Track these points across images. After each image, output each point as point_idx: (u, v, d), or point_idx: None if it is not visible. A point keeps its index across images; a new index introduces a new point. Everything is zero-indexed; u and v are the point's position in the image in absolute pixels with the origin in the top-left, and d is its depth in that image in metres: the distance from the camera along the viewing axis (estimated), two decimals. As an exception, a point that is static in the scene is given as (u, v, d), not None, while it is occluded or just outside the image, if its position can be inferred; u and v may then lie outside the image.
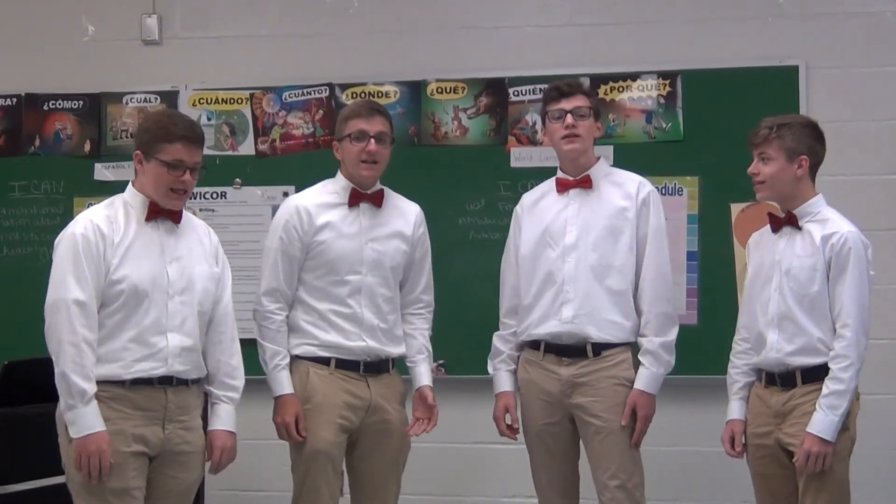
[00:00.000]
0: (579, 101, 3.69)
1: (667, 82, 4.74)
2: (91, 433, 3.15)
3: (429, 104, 4.91)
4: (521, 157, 4.83)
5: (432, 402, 3.74)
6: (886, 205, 4.63)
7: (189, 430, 3.35)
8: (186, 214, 3.45)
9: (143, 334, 3.27)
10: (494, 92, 4.86)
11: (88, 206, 3.45)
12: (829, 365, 3.40)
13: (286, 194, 4.77)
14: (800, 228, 3.51)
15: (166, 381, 3.29)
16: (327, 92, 4.97)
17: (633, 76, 4.77)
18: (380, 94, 4.90)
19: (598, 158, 3.81)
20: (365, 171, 3.67)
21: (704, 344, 4.40)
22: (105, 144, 5.11)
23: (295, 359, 3.67)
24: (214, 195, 4.99)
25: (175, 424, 3.31)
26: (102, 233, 3.26)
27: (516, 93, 4.85)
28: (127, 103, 5.10)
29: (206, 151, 3.44)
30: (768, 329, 3.50)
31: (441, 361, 4.57)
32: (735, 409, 3.62)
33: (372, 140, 3.64)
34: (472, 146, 4.88)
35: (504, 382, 3.83)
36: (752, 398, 3.59)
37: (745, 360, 3.63)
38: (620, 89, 4.77)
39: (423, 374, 3.78)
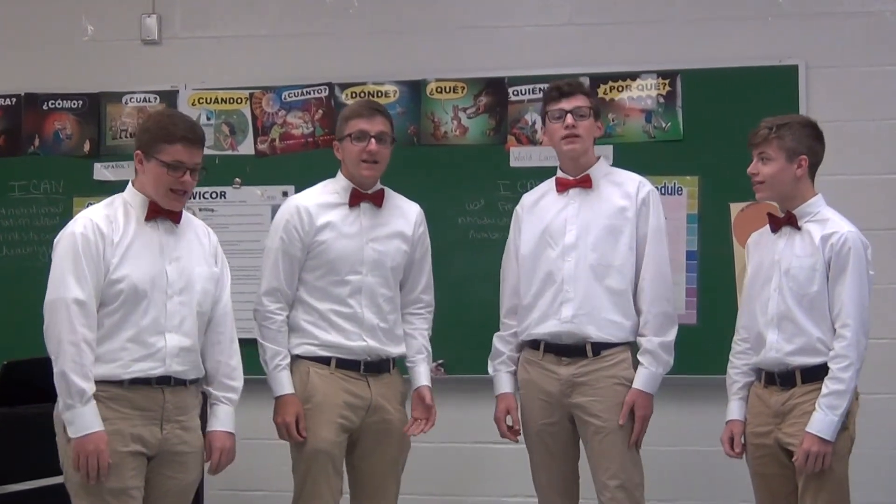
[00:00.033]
0: (579, 101, 3.69)
1: (666, 82, 4.74)
2: (89, 433, 3.15)
3: (428, 104, 4.91)
4: (520, 156, 4.83)
5: (430, 402, 3.74)
6: (886, 205, 4.63)
7: (187, 430, 3.34)
8: (186, 214, 3.44)
9: (141, 334, 3.26)
10: (494, 91, 4.86)
11: (88, 206, 3.44)
12: (829, 365, 3.40)
13: (286, 194, 4.78)
14: (799, 228, 3.51)
15: (164, 381, 3.29)
16: (327, 91, 4.97)
17: (633, 76, 4.77)
18: (379, 94, 4.90)
19: (598, 158, 3.81)
20: (366, 170, 3.67)
21: (704, 343, 4.40)
22: (104, 144, 5.11)
23: (295, 358, 3.67)
24: (214, 195, 4.99)
25: (173, 424, 3.31)
26: (102, 232, 3.25)
27: (516, 92, 4.85)
28: (126, 103, 5.10)
29: (206, 151, 3.44)
30: (768, 329, 3.50)
31: (440, 361, 4.57)
32: (734, 410, 3.62)
33: (372, 140, 3.64)
34: (472, 146, 4.88)
35: (504, 384, 3.83)
36: (751, 398, 3.59)
37: (745, 360, 3.63)
38: (620, 89, 4.78)
39: (422, 374, 3.78)
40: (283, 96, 5.00)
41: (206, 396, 3.46)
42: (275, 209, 3.91)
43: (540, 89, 4.67)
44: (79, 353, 3.15)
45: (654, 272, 3.70)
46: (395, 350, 3.74)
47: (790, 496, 3.48)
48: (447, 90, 4.90)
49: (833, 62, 4.67)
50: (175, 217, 3.38)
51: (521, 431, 3.82)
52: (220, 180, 4.92)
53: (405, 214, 3.79)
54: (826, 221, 3.49)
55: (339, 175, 3.76)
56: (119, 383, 3.23)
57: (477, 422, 4.25)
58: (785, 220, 3.55)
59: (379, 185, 3.76)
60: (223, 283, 3.48)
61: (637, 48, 4.82)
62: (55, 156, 5.13)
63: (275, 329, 3.66)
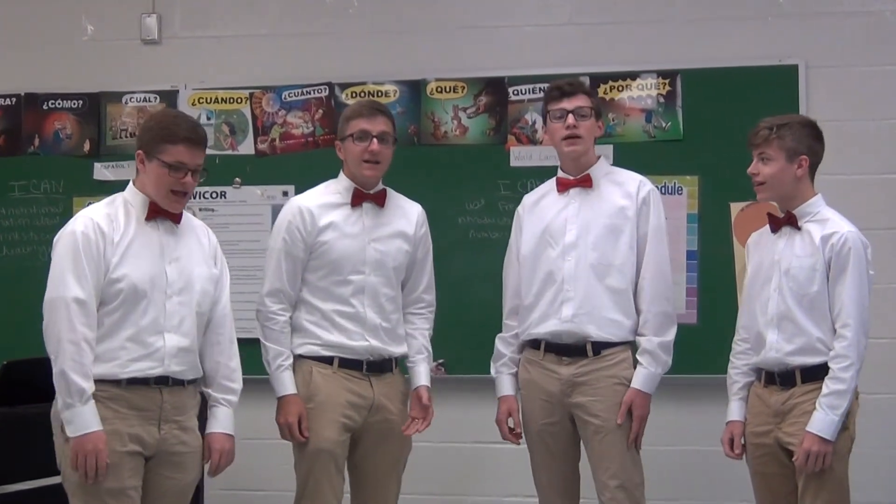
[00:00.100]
0: (581, 101, 3.69)
1: (666, 81, 4.74)
2: (88, 432, 3.14)
3: (428, 103, 4.91)
4: (520, 156, 4.83)
5: (427, 401, 3.74)
6: (886, 204, 4.63)
7: (185, 430, 3.34)
8: (186, 215, 3.44)
9: (140, 334, 3.26)
10: (494, 91, 4.86)
11: (88, 206, 3.43)
12: (830, 364, 3.40)
13: (286, 194, 4.78)
14: (799, 228, 3.51)
15: (162, 382, 3.28)
16: (327, 91, 4.97)
17: (633, 75, 4.77)
18: (379, 94, 4.90)
19: (599, 157, 3.81)
20: (367, 171, 3.67)
21: (704, 343, 4.40)
22: (104, 144, 5.11)
23: (298, 358, 3.68)
24: (214, 195, 4.99)
25: (171, 425, 3.30)
26: (102, 231, 3.25)
27: (516, 92, 4.85)
28: (126, 103, 5.10)
29: (206, 151, 3.43)
30: (768, 329, 3.50)
31: (441, 361, 4.57)
32: (734, 410, 3.62)
33: (374, 140, 3.65)
34: (472, 145, 4.88)
35: (506, 386, 3.83)
36: (751, 397, 3.59)
37: (745, 360, 3.63)
38: (620, 88, 4.78)
39: (422, 373, 3.78)
40: (283, 96, 5.00)
41: (205, 398, 3.45)
42: (275, 209, 3.92)
43: (540, 89, 4.67)
44: (78, 352, 3.15)
45: (654, 271, 3.70)
46: (398, 350, 3.74)
47: (790, 496, 3.48)
48: (447, 90, 4.90)
49: (833, 62, 4.67)
50: (175, 217, 3.38)
51: (522, 433, 3.82)
52: (220, 180, 4.91)
53: (407, 214, 3.79)
54: (826, 221, 3.49)
55: (341, 175, 3.76)
56: (117, 383, 3.23)
57: (477, 422, 4.26)
58: (785, 220, 3.55)
59: (381, 185, 3.76)
60: (222, 284, 3.47)
61: (637, 48, 4.82)
62: (55, 156, 5.13)
63: (277, 330, 3.66)
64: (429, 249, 3.86)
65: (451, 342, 4.52)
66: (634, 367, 3.67)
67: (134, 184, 3.39)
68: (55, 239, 3.30)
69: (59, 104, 5.13)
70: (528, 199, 3.89)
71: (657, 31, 4.81)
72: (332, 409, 3.61)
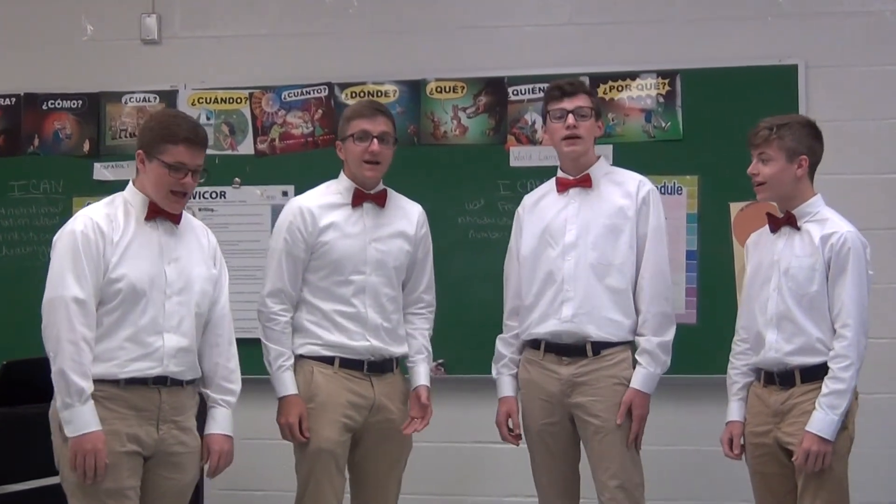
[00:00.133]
0: (581, 101, 3.69)
1: (666, 81, 4.74)
2: (87, 432, 3.14)
3: (428, 103, 4.91)
4: (520, 156, 4.83)
5: (426, 401, 3.74)
6: (886, 204, 4.63)
7: (184, 430, 3.34)
8: (186, 215, 3.44)
9: (139, 334, 3.26)
10: (494, 91, 4.86)
11: (87, 206, 3.42)
12: (830, 364, 3.40)
13: (285, 194, 4.79)
14: (798, 228, 3.51)
15: (161, 382, 3.28)
16: (326, 91, 4.97)
17: (633, 75, 4.77)
18: (379, 94, 4.90)
19: (599, 157, 3.81)
20: (368, 171, 3.68)
21: (703, 343, 4.40)
22: (104, 144, 5.11)
23: (299, 358, 3.68)
24: (214, 195, 4.99)
25: (169, 425, 3.30)
26: (102, 231, 3.25)
27: (515, 92, 4.85)
28: (126, 103, 5.10)
29: (206, 151, 3.43)
30: (767, 329, 3.50)
31: (441, 361, 4.57)
32: (734, 411, 3.62)
33: (375, 140, 3.65)
34: (472, 145, 4.88)
35: (506, 387, 3.83)
36: (750, 397, 3.59)
37: (745, 360, 3.63)
38: (620, 88, 4.78)
39: (422, 373, 3.78)
40: (282, 96, 5.00)
41: (203, 398, 3.45)
42: (274, 209, 3.92)
43: (540, 89, 4.67)
44: (78, 352, 3.14)
45: (654, 271, 3.70)
46: (399, 350, 3.74)
47: (790, 495, 3.48)
48: (447, 90, 4.90)
49: (833, 62, 4.67)
50: (175, 218, 3.37)
51: (522, 434, 3.82)
52: (219, 180, 4.91)
53: (407, 215, 3.79)
54: (825, 221, 3.49)
55: (342, 175, 3.76)
56: (115, 383, 3.22)
57: (477, 422, 4.26)
58: (784, 221, 3.55)
59: (381, 186, 3.76)
60: (221, 285, 3.47)
61: (637, 48, 4.82)
62: (55, 156, 5.13)
63: (278, 330, 3.66)
64: (429, 249, 3.86)
65: (451, 342, 4.52)
66: (634, 367, 3.67)
67: (134, 184, 3.39)
68: (54, 238, 3.29)
69: (58, 104, 5.13)
70: (528, 199, 3.89)
71: (657, 31, 4.81)
72: (333, 409, 3.61)
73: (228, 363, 3.44)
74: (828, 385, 3.38)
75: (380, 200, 3.73)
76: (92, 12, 5.18)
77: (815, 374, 3.42)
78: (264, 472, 4.72)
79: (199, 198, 4.94)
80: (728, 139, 4.47)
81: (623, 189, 3.74)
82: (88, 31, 5.19)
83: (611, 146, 4.63)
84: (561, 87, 3.72)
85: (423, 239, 3.83)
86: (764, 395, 3.53)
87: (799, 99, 4.61)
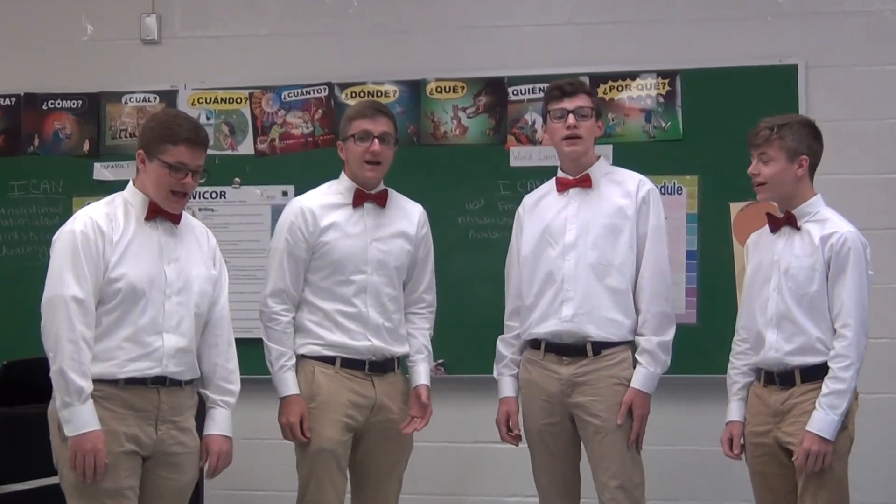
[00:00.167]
0: (581, 101, 3.69)
1: (666, 81, 4.74)
2: (87, 431, 3.13)
3: (428, 103, 4.91)
4: (520, 156, 4.83)
5: (426, 400, 3.74)
6: (886, 204, 4.63)
7: (182, 430, 3.33)
8: (185, 215, 3.44)
9: (138, 334, 3.25)
10: (494, 91, 4.86)
11: (87, 205, 3.42)
12: (830, 364, 3.40)
13: (285, 194, 4.79)
14: (798, 228, 3.51)
15: (159, 382, 3.28)
16: (326, 91, 4.97)
17: (633, 75, 4.77)
18: (379, 94, 4.90)
19: (599, 157, 3.81)
20: (369, 171, 3.68)
21: (703, 343, 4.40)
22: (104, 144, 5.11)
23: (300, 358, 3.68)
24: (214, 195, 4.99)
25: (168, 425, 3.30)
26: (102, 230, 3.24)
27: (515, 92, 4.84)
28: (126, 103, 5.10)
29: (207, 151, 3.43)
30: (767, 329, 3.50)
31: (441, 361, 4.57)
32: (734, 411, 3.62)
33: (376, 140, 3.65)
34: (472, 145, 4.88)
35: (507, 388, 3.83)
36: (750, 397, 3.59)
37: (745, 360, 3.63)
38: (620, 88, 4.78)
39: (422, 373, 3.78)
40: (282, 96, 5.00)
41: (201, 397, 3.45)
42: (274, 209, 3.92)
43: (540, 89, 4.67)
44: (77, 351, 3.14)
45: (654, 271, 3.70)
46: (400, 349, 3.74)
47: (790, 495, 3.48)
48: (447, 90, 4.90)
49: (833, 62, 4.67)
50: (175, 218, 3.37)
51: (522, 435, 3.82)
52: (219, 180, 4.91)
53: (408, 215, 3.80)
54: (825, 221, 3.49)
55: (343, 175, 3.76)
56: (114, 382, 3.22)
57: (477, 422, 4.26)
58: (784, 221, 3.55)
59: (382, 186, 3.76)
60: (221, 285, 3.47)
61: (637, 48, 4.82)
62: (55, 155, 5.13)
63: (280, 330, 3.66)
64: (430, 250, 3.86)
65: (451, 342, 4.52)
66: (634, 367, 3.67)
67: (134, 183, 3.39)
68: (54, 238, 3.29)
69: (58, 104, 5.13)
70: (529, 199, 3.89)
71: (657, 31, 4.81)
72: (335, 408, 3.61)
73: (227, 364, 3.44)
74: (828, 385, 3.38)
75: (381, 200, 3.73)
76: (92, 12, 5.18)
77: (815, 373, 3.42)
78: (264, 472, 4.72)
79: (199, 198, 4.93)
80: (728, 139, 4.47)
81: (623, 189, 3.74)
82: (88, 31, 5.19)
83: (611, 146, 4.63)
84: (561, 87, 3.72)
85: (424, 239, 3.83)
86: (764, 394, 3.53)
87: (799, 99, 4.61)
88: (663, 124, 4.74)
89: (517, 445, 3.84)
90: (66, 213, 4.69)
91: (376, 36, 4.99)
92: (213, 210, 4.96)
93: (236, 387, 3.45)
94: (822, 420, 3.36)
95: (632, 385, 3.64)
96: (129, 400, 3.24)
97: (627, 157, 4.42)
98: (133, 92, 5.10)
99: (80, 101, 5.12)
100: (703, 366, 4.37)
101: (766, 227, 3.61)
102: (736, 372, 3.65)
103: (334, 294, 3.67)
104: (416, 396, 3.74)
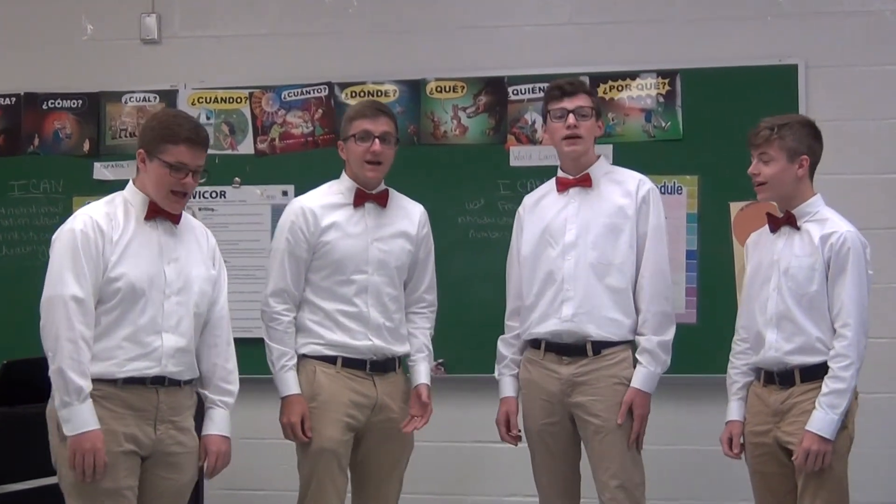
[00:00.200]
0: (581, 101, 3.69)
1: (666, 81, 4.74)
2: (86, 431, 3.13)
3: (428, 103, 4.90)
4: (520, 155, 4.83)
5: (426, 399, 3.74)
6: (885, 204, 4.63)
7: (181, 430, 3.33)
8: (185, 215, 3.44)
9: (138, 333, 3.25)
10: (494, 91, 4.86)
11: (87, 205, 3.42)
12: (830, 364, 3.40)
13: (285, 193, 4.79)
14: (798, 228, 3.51)
15: (158, 382, 3.28)
16: (326, 91, 4.97)
17: (633, 75, 4.77)
18: (379, 94, 4.89)
19: (599, 157, 3.81)
20: (369, 171, 3.68)
21: (703, 343, 4.40)
22: (104, 144, 5.11)
23: (302, 358, 3.68)
24: (214, 194, 4.99)
25: (167, 425, 3.29)
26: (102, 230, 3.24)
27: (515, 92, 4.84)
28: (126, 102, 5.10)
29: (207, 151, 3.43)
30: (767, 328, 3.50)
31: (441, 361, 4.57)
32: (734, 410, 3.62)
33: (376, 140, 3.65)
34: (472, 145, 4.88)
35: (507, 388, 3.83)
36: (750, 397, 3.59)
37: (745, 360, 3.63)
38: (620, 88, 4.78)
39: (422, 372, 3.78)
40: (282, 96, 5.00)
41: (200, 397, 3.44)
42: (274, 209, 3.92)
43: (540, 89, 4.67)
44: (77, 351, 3.14)
45: (654, 270, 3.70)
46: (401, 349, 3.74)
47: (789, 495, 3.48)
48: (447, 90, 4.90)
49: (833, 61, 4.67)
50: (174, 218, 3.37)
51: (521, 435, 3.82)
52: (219, 180, 4.91)
53: (409, 215, 3.80)
54: (825, 221, 3.49)
55: (344, 175, 3.77)
56: (113, 382, 3.22)
57: (477, 421, 4.26)
58: (784, 220, 3.55)
59: (383, 186, 3.77)
60: (220, 286, 3.47)
61: (637, 48, 4.82)
62: (55, 155, 5.13)
63: (281, 330, 3.66)
64: (431, 249, 3.86)
65: (451, 342, 4.51)
66: (634, 367, 3.67)
67: (134, 183, 3.39)
68: (54, 237, 3.29)
69: (58, 104, 5.13)
70: (529, 199, 3.89)
71: (657, 31, 4.81)
72: (336, 408, 3.61)
73: (227, 364, 3.44)
74: (828, 384, 3.38)
75: (381, 200, 3.74)
76: (92, 12, 5.18)
77: (815, 373, 3.42)
78: (264, 472, 4.72)
79: (199, 197, 4.93)
80: (728, 139, 4.47)
81: (623, 188, 3.74)
82: (88, 30, 5.19)
83: (611, 146, 4.63)
84: (561, 86, 3.72)
85: (425, 239, 3.83)
86: (764, 394, 3.53)
87: (799, 99, 4.61)
88: (663, 124, 4.74)
89: (517, 445, 3.84)
90: (66, 213, 4.66)
91: (376, 36, 4.99)
92: (213, 210, 4.96)
93: (235, 387, 3.45)
94: (821, 419, 3.36)
95: (632, 385, 3.64)
96: (128, 399, 3.24)
97: (627, 156, 4.42)
98: (133, 92, 5.09)
99: (80, 101, 5.12)
100: (703, 365, 4.37)
101: (766, 226, 3.62)
102: (736, 371, 3.65)
103: (335, 294, 3.67)
104: (417, 395, 3.74)
